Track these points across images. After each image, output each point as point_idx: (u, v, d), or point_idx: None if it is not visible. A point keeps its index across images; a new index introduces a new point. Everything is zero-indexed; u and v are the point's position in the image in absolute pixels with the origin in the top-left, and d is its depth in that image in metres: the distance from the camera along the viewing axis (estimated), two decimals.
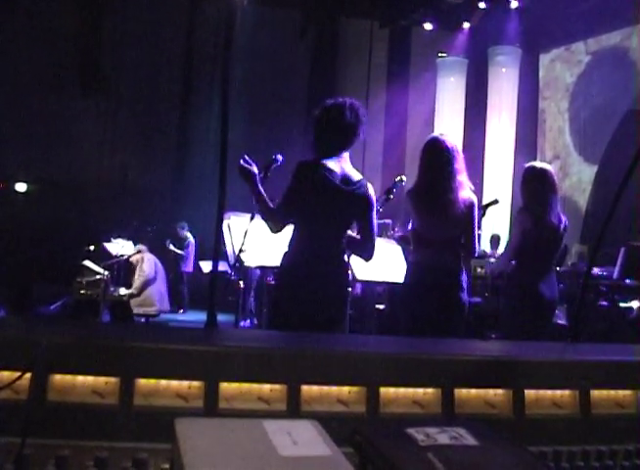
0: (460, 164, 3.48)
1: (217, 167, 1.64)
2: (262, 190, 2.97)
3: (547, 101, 12.52)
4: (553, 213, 3.93)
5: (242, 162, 2.99)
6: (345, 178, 2.92)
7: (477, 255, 3.88)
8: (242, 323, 8.18)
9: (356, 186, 2.93)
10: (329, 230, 2.94)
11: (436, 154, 3.45)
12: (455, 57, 12.83)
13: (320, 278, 2.89)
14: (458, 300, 3.41)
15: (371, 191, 2.98)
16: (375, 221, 3.03)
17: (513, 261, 4.04)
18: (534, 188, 3.95)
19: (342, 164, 2.95)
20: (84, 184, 12.06)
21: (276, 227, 2.98)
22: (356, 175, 2.97)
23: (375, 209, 3.03)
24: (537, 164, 4.22)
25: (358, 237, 3.04)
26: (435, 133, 3.68)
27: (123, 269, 9.40)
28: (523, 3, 11.26)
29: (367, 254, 3.04)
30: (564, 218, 4.03)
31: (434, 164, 3.45)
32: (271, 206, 2.94)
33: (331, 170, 2.89)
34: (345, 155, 2.97)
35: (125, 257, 7.97)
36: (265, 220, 2.99)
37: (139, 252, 7.62)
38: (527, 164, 4.18)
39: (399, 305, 3.62)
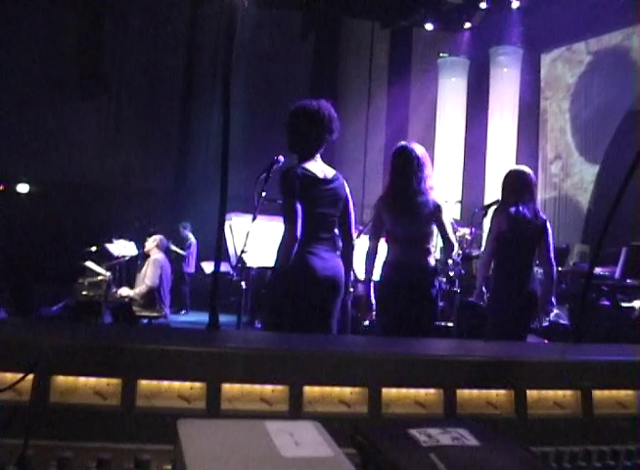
0: (429, 170, 3.76)
1: (219, 168, 1.63)
2: None
3: (548, 101, 12.50)
4: (528, 210, 4.06)
5: None
6: (325, 174, 3.15)
7: (455, 249, 4.08)
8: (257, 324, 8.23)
9: (335, 178, 3.16)
10: (321, 226, 3.09)
11: (407, 161, 3.70)
12: (456, 57, 12.82)
13: (319, 276, 3.01)
14: (428, 294, 3.62)
15: (345, 183, 3.23)
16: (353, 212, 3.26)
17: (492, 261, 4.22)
18: (510, 188, 4.16)
19: (318, 164, 3.16)
20: (86, 185, 12.08)
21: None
22: (331, 171, 3.19)
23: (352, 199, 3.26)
24: (515, 167, 4.45)
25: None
26: (403, 142, 3.90)
27: (126, 270, 9.40)
28: (524, 3, 11.24)
29: (352, 243, 3.26)
30: (544, 217, 4.16)
31: (405, 171, 3.70)
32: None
33: (311, 171, 3.10)
34: (318, 154, 3.18)
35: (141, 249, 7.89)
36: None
37: (155, 244, 7.43)
38: (507, 171, 4.38)
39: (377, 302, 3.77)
